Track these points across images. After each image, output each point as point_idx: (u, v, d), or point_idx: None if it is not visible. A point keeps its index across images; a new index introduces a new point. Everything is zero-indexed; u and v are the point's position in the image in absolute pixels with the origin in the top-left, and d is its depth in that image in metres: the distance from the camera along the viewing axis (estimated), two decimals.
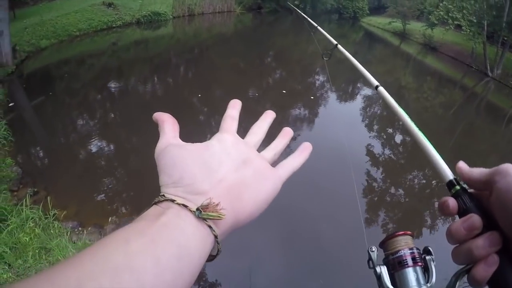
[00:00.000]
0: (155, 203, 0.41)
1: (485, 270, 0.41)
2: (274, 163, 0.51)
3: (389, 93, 1.02)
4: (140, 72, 11.12)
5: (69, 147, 6.60)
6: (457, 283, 0.46)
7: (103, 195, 5.17)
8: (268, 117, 0.59)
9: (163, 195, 0.41)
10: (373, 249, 0.60)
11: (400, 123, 0.76)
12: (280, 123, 8.34)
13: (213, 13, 23.47)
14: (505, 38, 21.21)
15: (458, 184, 0.50)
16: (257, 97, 10.09)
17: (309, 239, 4.97)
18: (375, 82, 1.14)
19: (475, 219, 0.43)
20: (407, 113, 0.77)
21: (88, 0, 16.41)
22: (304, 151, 0.53)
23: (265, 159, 0.50)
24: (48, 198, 4.54)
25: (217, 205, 0.39)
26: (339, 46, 1.81)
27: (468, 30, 21.64)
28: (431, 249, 0.56)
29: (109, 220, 4.44)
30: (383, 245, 0.60)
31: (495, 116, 14.44)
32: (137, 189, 5.45)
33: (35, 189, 5.03)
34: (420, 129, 0.68)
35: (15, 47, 10.37)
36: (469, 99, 16.19)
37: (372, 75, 1.24)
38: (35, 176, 5.43)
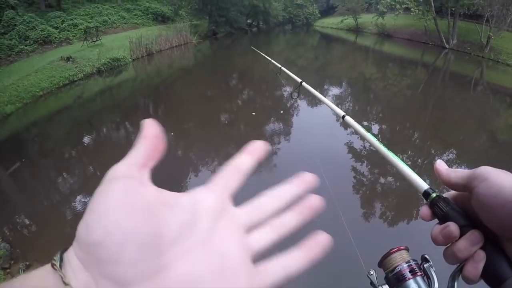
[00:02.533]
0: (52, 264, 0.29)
1: (474, 268, 0.43)
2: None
3: (356, 120, 1.04)
4: (111, 120, 11.02)
5: (54, 209, 6.42)
6: (455, 283, 0.48)
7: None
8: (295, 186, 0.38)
9: (59, 260, 0.29)
10: (371, 272, 0.62)
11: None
12: (255, 137, 8.39)
13: (170, 48, 23.56)
14: (453, 9, 21.95)
15: (434, 192, 0.52)
16: (229, 122, 10.12)
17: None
18: (341, 113, 1.15)
19: (451, 228, 0.45)
20: (375, 136, 0.78)
21: (46, 58, 16.33)
22: (313, 248, 0.34)
23: (248, 247, 0.32)
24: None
25: None
26: (304, 84, 1.85)
27: (417, 10, 22.38)
28: (427, 257, 0.58)
29: None
30: (381, 264, 0.61)
31: (462, 83, 14.82)
32: None
33: (27, 263, 4.86)
34: (389, 149, 0.69)
35: None
36: (433, 74, 16.57)
37: (335, 105, 1.26)
38: (25, 248, 5.26)
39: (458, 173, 0.48)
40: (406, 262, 0.57)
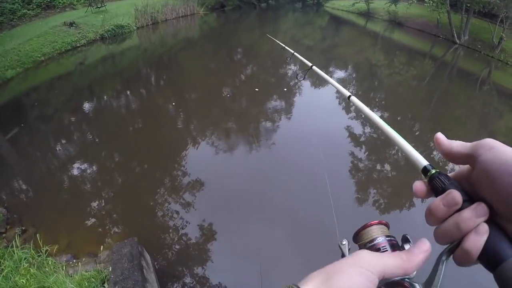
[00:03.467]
0: None
1: (476, 240, 0.40)
2: None
3: (361, 100, 1.09)
4: (112, 88, 10.95)
5: (51, 176, 6.45)
6: (443, 266, 0.44)
7: (91, 220, 5.05)
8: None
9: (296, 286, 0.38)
10: (344, 242, 0.59)
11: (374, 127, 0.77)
12: (257, 117, 8.33)
13: (176, 18, 23.24)
14: (468, 5, 21.62)
15: (433, 168, 0.50)
16: (231, 96, 10.05)
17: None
18: (347, 93, 1.17)
19: (454, 194, 0.42)
20: (378, 116, 0.80)
21: (48, 23, 16.08)
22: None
23: None
24: (38, 235, 4.38)
25: None
26: (314, 67, 1.88)
27: (431, 2, 22.01)
28: (409, 237, 0.54)
29: (101, 248, 4.34)
30: (356, 236, 0.57)
31: (468, 80, 14.70)
32: (125, 207, 5.37)
33: (23, 228, 4.88)
34: (391, 127, 0.70)
35: None
36: (441, 68, 16.43)
37: (342, 85, 1.30)
38: (21, 213, 5.28)
39: (461, 143, 0.47)
40: (387, 236, 0.54)
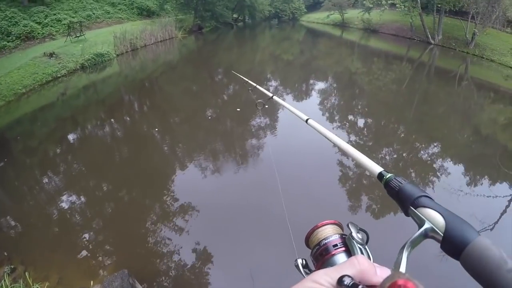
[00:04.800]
0: None
1: None
2: None
3: (319, 123, 1.09)
4: (95, 117, 10.84)
5: (39, 210, 6.22)
6: (405, 254, 0.45)
7: (82, 253, 4.87)
8: None
9: None
10: (298, 262, 0.57)
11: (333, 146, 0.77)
12: (242, 136, 8.33)
13: (155, 43, 23.38)
14: (439, 5, 22.27)
15: (387, 173, 0.52)
16: (215, 117, 10.04)
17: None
18: (305, 117, 1.22)
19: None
20: (336, 135, 0.82)
21: (29, 54, 15.97)
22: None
23: None
24: (27, 273, 4.23)
25: None
26: (275, 97, 2.00)
27: (403, 6, 22.61)
28: (359, 226, 0.52)
29: (91, 283, 4.21)
30: (308, 239, 0.56)
31: (446, 78, 14.99)
32: (115, 237, 5.20)
33: (12, 266, 4.69)
34: (346, 142, 0.72)
35: None
36: (419, 69, 16.73)
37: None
38: (9, 251, 5.11)
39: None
40: (341, 235, 0.53)
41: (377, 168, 0.55)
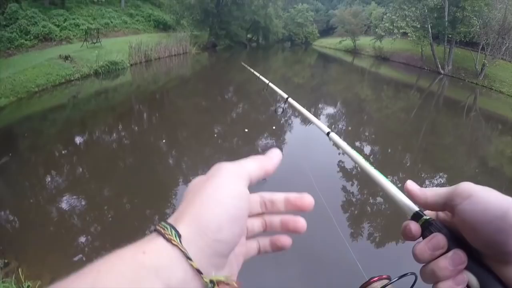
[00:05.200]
0: (157, 231, 0.35)
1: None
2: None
3: (341, 137, 0.99)
4: (104, 123, 10.95)
5: (38, 208, 6.23)
6: None
7: (77, 256, 4.84)
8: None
9: (171, 227, 0.34)
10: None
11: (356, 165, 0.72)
12: (248, 155, 8.34)
13: (169, 56, 23.71)
14: (450, 36, 22.48)
15: (424, 214, 0.46)
16: (222, 135, 10.08)
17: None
18: (326, 129, 1.14)
19: (439, 238, 0.41)
20: (360, 154, 0.73)
21: (45, 55, 16.28)
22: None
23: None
24: (20, 269, 4.21)
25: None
26: (290, 99, 1.84)
27: (414, 36, 22.82)
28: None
29: None
30: None
31: (455, 109, 15.01)
32: (113, 244, 5.18)
33: (5, 260, 4.62)
34: (375, 167, 0.64)
35: None
36: (427, 98, 16.77)
37: (322, 121, 1.21)
38: (4, 245, 5.11)
39: (436, 191, 0.45)
40: None
41: (413, 206, 0.48)
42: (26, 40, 18.35)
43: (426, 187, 0.46)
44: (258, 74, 3.13)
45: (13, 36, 17.78)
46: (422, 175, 7.89)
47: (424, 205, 0.46)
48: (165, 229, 0.34)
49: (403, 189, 0.50)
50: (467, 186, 0.41)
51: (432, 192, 0.45)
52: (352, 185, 7.09)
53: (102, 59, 17.22)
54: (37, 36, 18.99)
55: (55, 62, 15.34)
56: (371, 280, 0.58)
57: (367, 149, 9.33)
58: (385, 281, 0.57)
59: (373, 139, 10.40)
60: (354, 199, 6.63)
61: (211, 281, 0.33)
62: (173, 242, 0.32)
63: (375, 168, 0.63)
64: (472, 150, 9.99)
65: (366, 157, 0.80)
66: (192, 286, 0.32)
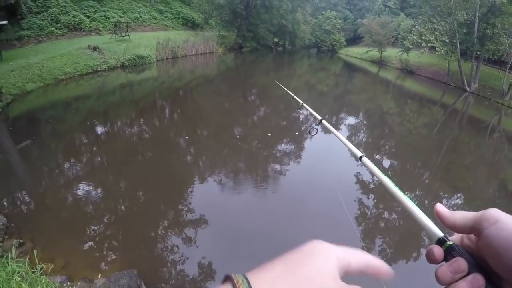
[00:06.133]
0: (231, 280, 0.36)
1: None
2: None
3: (372, 161, 0.98)
4: (126, 115, 11.16)
5: (56, 193, 6.36)
6: None
7: (91, 243, 4.86)
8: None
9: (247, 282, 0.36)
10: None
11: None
12: (268, 160, 8.36)
13: (195, 54, 24.05)
14: (478, 53, 22.12)
15: (448, 240, 0.49)
16: (243, 137, 10.13)
17: None
18: (359, 153, 1.11)
19: (460, 262, 0.44)
20: (391, 180, 0.75)
21: (74, 44, 16.71)
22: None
23: None
24: (35, 251, 4.26)
25: None
26: (324, 122, 1.83)
27: (442, 50, 22.50)
28: None
29: (99, 275, 4.22)
30: None
31: (478, 128, 14.76)
32: (126, 235, 5.20)
33: (21, 240, 4.74)
34: (404, 193, 0.66)
35: (0, 90, 10.47)
36: (451, 115, 16.54)
37: (355, 144, 1.18)
38: (21, 225, 5.18)
39: (464, 215, 0.47)
40: None
41: (438, 232, 0.51)
42: (56, 28, 18.89)
43: (446, 206, 0.51)
44: (292, 94, 3.07)
45: (44, 23, 18.32)
46: (440, 194, 7.82)
47: (452, 227, 0.48)
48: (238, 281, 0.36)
49: (426, 210, 0.55)
50: (494, 212, 0.43)
51: (461, 215, 0.48)
52: (378, 204, 7.05)
53: (129, 53, 17.56)
54: (67, 25, 19.52)
55: (84, 52, 15.72)
56: None
57: (386, 162, 9.27)
58: None
59: (392, 153, 10.34)
60: (382, 222, 6.56)
61: None
62: None
63: (405, 194, 0.65)
64: (493, 172, 9.83)
65: (384, 170, 0.83)
66: None
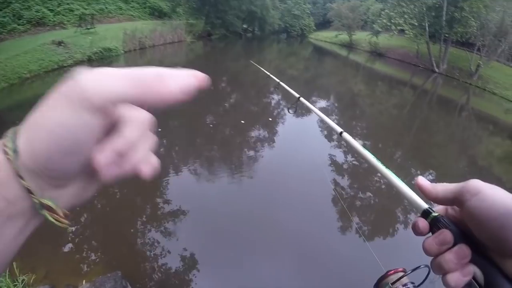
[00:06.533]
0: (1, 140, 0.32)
1: (458, 279, 0.42)
2: None
3: (352, 136, 0.97)
4: None
5: None
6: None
7: (70, 247, 4.55)
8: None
9: (13, 139, 0.31)
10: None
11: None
12: (240, 146, 8.32)
13: (164, 44, 23.57)
14: (447, 35, 22.69)
15: (433, 211, 0.49)
16: (215, 124, 10.03)
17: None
18: (339, 129, 1.10)
19: (446, 234, 0.44)
20: (373, 154, 0.76)
21: (38, 40, 16.01)
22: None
23: None
24: (14, 263, 3.97)
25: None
26: (302, 99, 1.82)
27: (411, 33, 22.97)
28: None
29: (83, 282, 4.06)
30: (377, 286, 0.65)
31: (447, 107, 15.13)
32: (105, 234, 4.98)
33: None
34: (387, 167, 0.66)
35: None
36: (420, 96, 16.88)
37: (333, 120, 1.16)
38: None
39: (446, 187, 0.48)
40: (403, 285, 0.58)
41: (422, 203, 0.51)
42: (18, 24, 18.03)
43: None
44: (268, 73, 3.11)
45: (5, 20, 17.46)
46: (412, 171, 7.96)
47: (434, 200, 0.48)
48: (7, 140, 0.31)
49: (412, 186, 0.53)
50: (476, 183, 0.43)
51: (443, 187, 0.48)
52: (363, 179, 7.14)
53: (96, 46, 17.03)
54: (30, 20, 18.67)
55: (48, 48, 15.12)
56: (388, 273, 0.64)
57: (359, 142, 9.32)
58: (401, 273, 0.63)
59: (364, 134, 10.44)
60: (367, 196, 6.62)
61: (41, 203, 0.31)
62: (8, 157, 0.30)
63: (386, 167, 0.65)
64: (463, 149, 10.08)
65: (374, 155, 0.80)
66: (26, 204, 0.31)
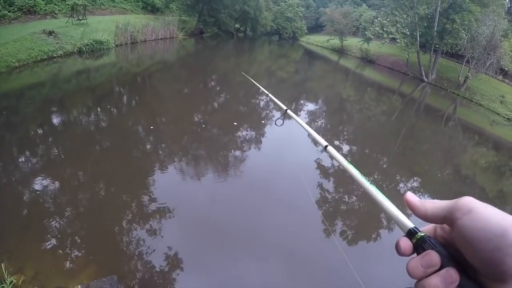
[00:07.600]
0: None
1: None
2: None
3: (337, 150, 0.94)
4: (83, 104, 10.62)
5: (12, 191, 5.92)
6: None
7: (58, 246, 4.30)
8: None
9: None
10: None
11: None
12: (230, 146, 8.28)
13: (155, 39, 23.39)
14: (437, 46, 23.09)
15: (419, 231, 0.46)
16: (203, 122, 9.97)
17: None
18: (324, 143, 1.07)
19: (432, 256, 0.42)
20: (357, 168, 0.72)
21: (28, 28, 15.62)
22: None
23: None
24: (2, 265, 3.84)
25: None
26: (289, 111, 1.86)
27: (402, 42, 23.26)
28: None
29: (79, 287, 3.91)
30: None
31: (434, 116, 15.33)
32: (93, 233, 4.82)
33: None
34: (371, 183, 0.63)
35: None
36: (408, 104, 17.06)
37: (319, 134, 1.14)
38: None
39: (436, 204, 0.45)
40: None
41: (407, 223, 0.48)
42: (9, 11, 17.60)
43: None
44: (259, 85, 3.20)
45: None
46: (397, 178, 8.01)
47: (423, 217, 0.46)
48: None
49: (398, 198, 0.49)
50: (468, 201, 0.41)
51: (433, 204, 0.45)
52: (344, 189, 7.13)
53: (87, 37, 16.77)
54: (21, 8, 18.23)
55: (38, 37, 14.80)
56: None
57: (345, 148, 9.38)
58: None
59: (352, 139, 10.48)
60: (351, 209, 6.60)
61: None
62: None
63: (371, 183, 0.62)
64: (448, 157, 10.20)
65: (343, 156, 0.78)
66: None
